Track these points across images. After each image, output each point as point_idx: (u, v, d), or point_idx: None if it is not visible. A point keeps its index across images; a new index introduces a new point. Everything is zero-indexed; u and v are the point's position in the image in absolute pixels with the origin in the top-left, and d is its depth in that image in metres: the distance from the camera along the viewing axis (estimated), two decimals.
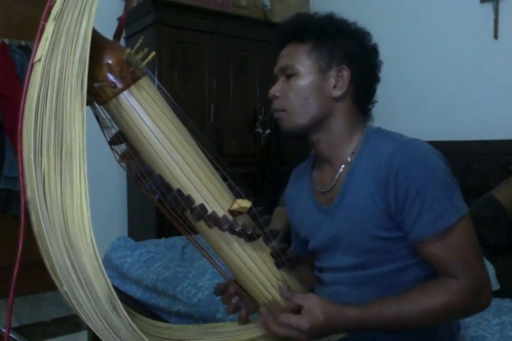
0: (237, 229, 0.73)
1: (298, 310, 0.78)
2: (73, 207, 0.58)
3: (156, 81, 1.56)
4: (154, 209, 2.55)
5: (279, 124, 0.91)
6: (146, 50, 0.68)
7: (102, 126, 0.74)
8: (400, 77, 2.54)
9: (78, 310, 0.61)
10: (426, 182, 0.77)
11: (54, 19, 0.62)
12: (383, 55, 0.93)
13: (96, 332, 0.63)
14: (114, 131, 0.75)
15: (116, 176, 2.91)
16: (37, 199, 0.57)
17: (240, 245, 0.76)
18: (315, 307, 0.75)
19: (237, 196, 0.77)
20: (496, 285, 1.45)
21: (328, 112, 0.88)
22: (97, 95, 0.68)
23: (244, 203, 0.74)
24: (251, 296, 0.83)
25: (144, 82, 0.70)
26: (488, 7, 2.27)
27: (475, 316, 1.22)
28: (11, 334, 0.99)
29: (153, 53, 0.69)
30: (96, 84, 0.67)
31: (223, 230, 0.73)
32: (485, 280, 0.80)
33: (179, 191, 0.71)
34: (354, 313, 0.76)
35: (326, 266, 0.96)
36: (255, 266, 0.78)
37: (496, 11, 2.24)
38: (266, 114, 2.91)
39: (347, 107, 0.89)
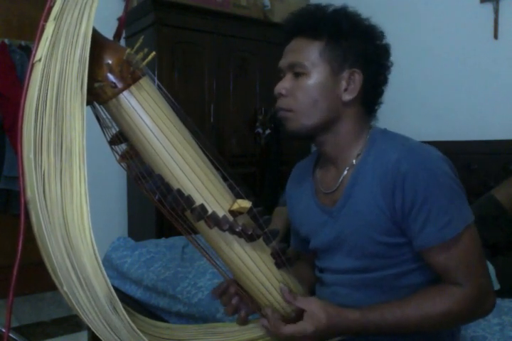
0: (237, 230, 0.73)
1: (299, 312, 0.78)
2: (73, 206, 0.58)
3: (156, 81, 1.56)
4: (154, 209, 2.55)
5: (283, 124, 0.87)
6: (146, 50, 0.68)
7: (102, 125, 0.74)
8: (399, 76, 2.52)
9: (78, 310, 0.60)
10: (433, 189, 0.76)
11: (54, 19, 0.62)
12: None
13: (96, 332, 0.63)
14: (114, 131, 0.75)
15: (116, 176, 2.91)
16: (37, 199, 0.57)
17: (240, 245, 0.76)
18: (317, 311, 0.75)
19: (238, 196, 0.77)
20: (496, 285, 1.45)
21: (337, 115, 0.85)
22: (97, 95, 0.68)
23: (245, 203, 0.74)
24: (251, 296, 0.83)
25: (144, 82, 0.70)
26: (488, 7, 2.27)
27: None
28: (10, 334, 0.99)
29: (154, 53, 0.69)
30: (96, 84, 0.67)
31: (223, 230, 0.73)
32: (488, 287, 0.79)
33: (179, 191, 0.71)
34: (354, 316, 0.76)
35: (327, 266, 0.95)
36: (255, 266, 0.78)
37: (496, 11, 2.24)
38: (266, 114, 2.91)
39: (355, 110, 0.87)
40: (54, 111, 0.59)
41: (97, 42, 0.65)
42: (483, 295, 0.78)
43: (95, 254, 0.58)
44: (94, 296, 0.59)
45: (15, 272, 0.60)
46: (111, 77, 0.67)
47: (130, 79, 0.68)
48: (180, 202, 0.70)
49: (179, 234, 1.16)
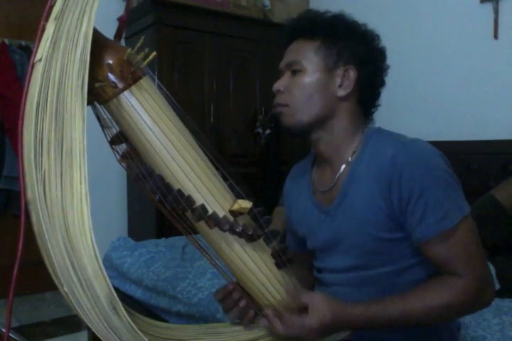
0: (237, 230, 0.73)
1: (302, 309, 0.78)
2: (73, 207, 0.58)
3: (157, 81, 1.56)
4: (154, 209, 2.55)
5: (280, 119, 0.90)
6: (146, 50, 0.68)
7: (103, 125, 0.74)
8: (399, 77, 2.54)
9: (78, 310, 0.60)
10: (429, 183, 0.77)
11: (55, 19, 0.62)
12: None
13: (96, 332, 0.63)
14: (114, 131, 0.75)
15: (116, 176, 2.91)
16: (37, 199, 0.57)
17: (240, 245, 0.76)
18: (322, 306, 0.75)
19: (238, 196, 0.77)
20: (496, 285, 1.45)
21: (332, 111, 0.87)
22: (98, 95, 0.68)
23: (245, 203, 0.74)
24: (251, 297, 0.83)
25: (145, 82, 0.70)
26: (488, 7, 2.28)
27: (475, 316, 1.22)
28: (10, 334, 0.99)
29: (154, 53, 0.69)
30: (97, 84, 0.67)
31: (224, 230, 0.73)
32: (488, 277, 0.80)
33: (180, 191, 0.71)
34: (358, 310, 0.77)
35: (326, 266, 0.95)
36: (256, 266, 0.78)
37: (496, 11, 2.24)
38: (266, 114, 2.91)
39: (350, 108, 0.89)
40: (54, 111, 0.59)
41: (98, 42, 0.65)
42: (483, 285, 0.79)
43: (96, 255, 0.58)
44: (94, 296, 0.59)
45: (15, 272, 0.60)
46: (111, 76, 0.67)
47: (131, 79, 0.68)
48: (181, 202, 0.70)
49: (179, 234, 1.16)
